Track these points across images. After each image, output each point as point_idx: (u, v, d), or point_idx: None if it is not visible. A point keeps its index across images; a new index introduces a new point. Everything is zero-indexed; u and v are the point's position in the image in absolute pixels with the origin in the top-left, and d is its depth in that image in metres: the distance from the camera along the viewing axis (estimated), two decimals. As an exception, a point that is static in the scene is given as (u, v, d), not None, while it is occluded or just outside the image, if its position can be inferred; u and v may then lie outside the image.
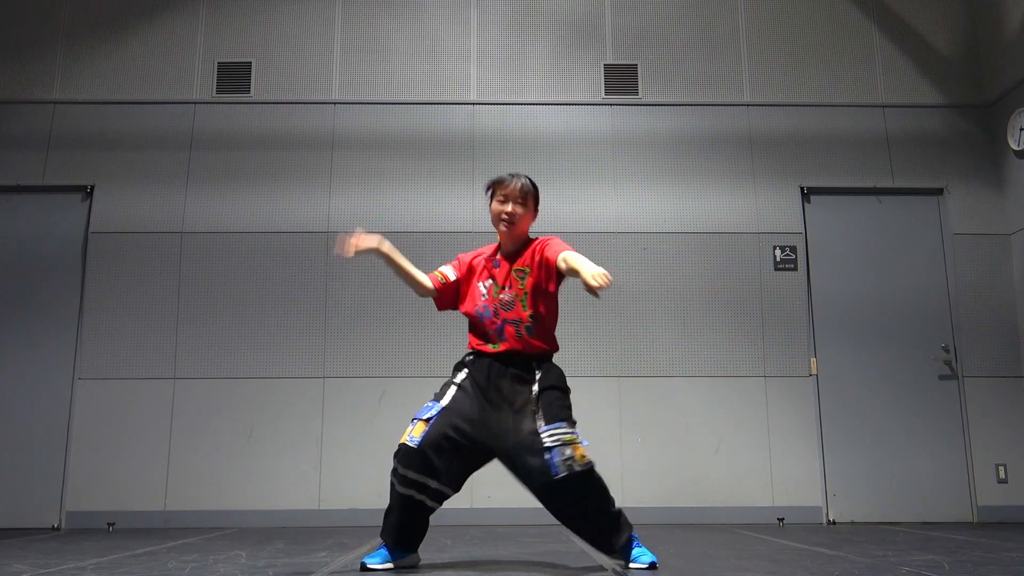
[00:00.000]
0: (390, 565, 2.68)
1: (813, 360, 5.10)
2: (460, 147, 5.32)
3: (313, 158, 5.29)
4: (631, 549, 2.69)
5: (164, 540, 3.86)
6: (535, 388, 2.69)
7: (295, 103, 5.36)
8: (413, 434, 2.64)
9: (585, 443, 2.63)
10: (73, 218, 5.17)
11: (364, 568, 2.64)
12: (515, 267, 2.81)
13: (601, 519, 2.67)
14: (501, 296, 2.78)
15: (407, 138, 5.34)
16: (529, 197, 2.84)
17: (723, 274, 5.19)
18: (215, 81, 5.37)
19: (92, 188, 5.20)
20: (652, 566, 2.63)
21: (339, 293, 5.10)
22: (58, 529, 4.72)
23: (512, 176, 2.85)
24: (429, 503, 2.67)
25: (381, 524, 2.76)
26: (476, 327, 2.84)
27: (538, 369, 2.74)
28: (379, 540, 2.76)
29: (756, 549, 3.35)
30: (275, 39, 5.45)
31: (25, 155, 5.22)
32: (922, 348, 5.13)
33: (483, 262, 2.90)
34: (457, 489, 2.71)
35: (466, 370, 2.79)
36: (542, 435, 2.58)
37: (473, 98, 5.41)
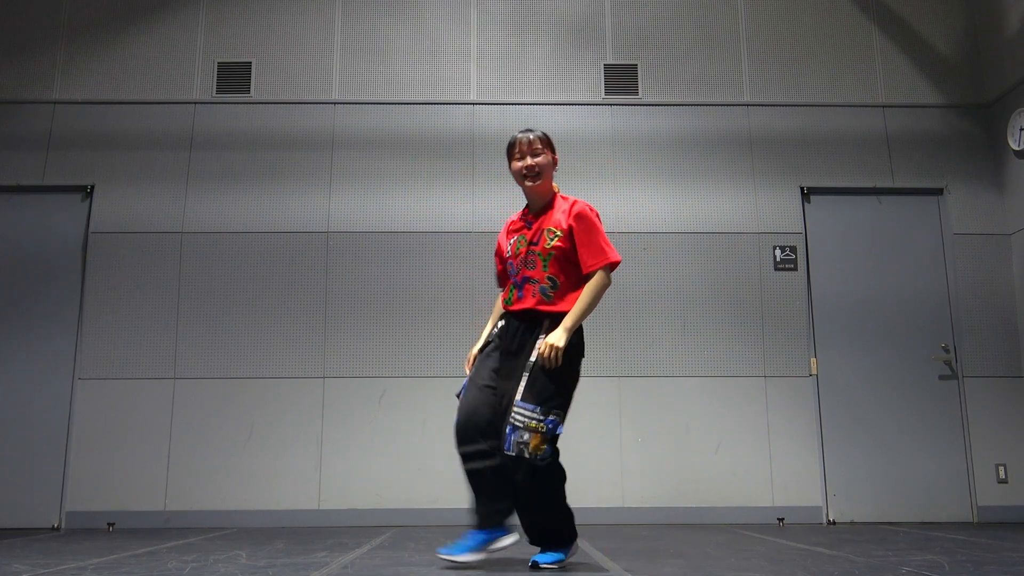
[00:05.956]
0: (515, 536, 2.74)
1: (813, 360, 5.10)
2: (460, 147, 5.32)
3: (313, 158, 5.29)
4: (548, 553, 2.74)
5: (164, 540, 3.86)
6: (535, 354, 2.71)
7: (295, 103, 5.37)
8: (457, 413, 2.73)
9: (559, 431, 2.62)
10: (73, 218, 5.17)
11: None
12: (546, 226, 2.82)
13: (542, 513, 2.71)
14: (526, 251, 2.81)
15: (407, 138, 5.34)
16: (543, 144, 2.86)
17: (723, 274, 5.19)
18: (215, 81, 5.38)
19: (92, 188, 5.20)
20: (556, 563, 2.70)
21: (339, 293, 5.10)
22: (58, 529, 4.72)
23: (522, 132, 2.89)
24: (495, 461, 2.65)
25: (477, 514, 2.74)
26: (506, 283, 2.95)
27: (547, 331, 2.73)
28: (467, 530, 2.77)
29: (756, 549, 3.35)
30: (275, 39, 5.45)
31: (25, 155, 5.23)
32: (922, 348, 5.13)
33: (515, 221, 2.96)
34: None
35: (496, 333, 2.87)
36: (514, 407, 2.61)
37: (473, 98, 5.42)
